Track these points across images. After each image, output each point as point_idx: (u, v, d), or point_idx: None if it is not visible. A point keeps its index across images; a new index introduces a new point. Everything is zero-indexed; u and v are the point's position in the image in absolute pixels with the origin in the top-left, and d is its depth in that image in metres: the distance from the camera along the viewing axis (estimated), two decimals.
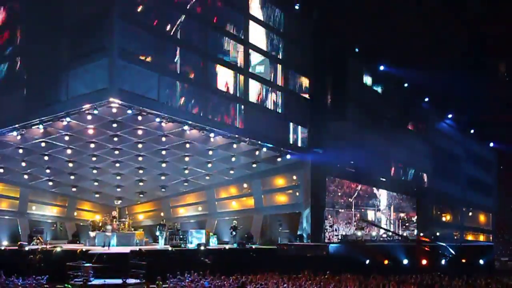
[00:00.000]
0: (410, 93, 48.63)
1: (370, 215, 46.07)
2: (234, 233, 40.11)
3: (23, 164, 40.23)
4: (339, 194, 44.03)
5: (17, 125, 33.67)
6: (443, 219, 49.38)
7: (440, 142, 52.00)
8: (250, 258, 35.12)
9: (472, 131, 54.95)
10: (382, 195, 47.06)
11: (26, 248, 35.14)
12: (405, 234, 45.90)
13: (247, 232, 41.68)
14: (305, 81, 40.68)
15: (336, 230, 41.97)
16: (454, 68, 48.52)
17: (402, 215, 47.99)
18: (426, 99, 50.10)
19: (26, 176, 42.25)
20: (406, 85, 47.76)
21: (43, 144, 37.04)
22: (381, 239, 44.17)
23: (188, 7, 34.55)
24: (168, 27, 33.04)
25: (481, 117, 53.01)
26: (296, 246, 37.75)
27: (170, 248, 35.70)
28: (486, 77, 48.04)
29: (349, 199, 44.34)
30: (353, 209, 44.96)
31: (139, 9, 31.72)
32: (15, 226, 43.03)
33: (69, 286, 24.11)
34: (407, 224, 46.71)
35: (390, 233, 44.92)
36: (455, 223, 51.00)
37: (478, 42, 48.96)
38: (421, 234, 44.16)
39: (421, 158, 49.71)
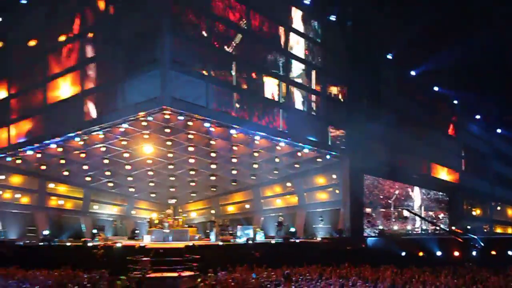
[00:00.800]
0: (440, 96, 47.59)
1: (406, 214, 45.17)
2: (280, 228, 39.81)
3: (86, 167, 40.99)
4: (381, 197, 43.10)
5: (80, 132, 34.14)
6: (473, 213, 48.63)
7: (470, 141, 51.09)
8: (295, 251, 34.11)
9: (499, 130, 53.77)
10: (416, 196, 46.03)
11: (89, 244, 35.55)
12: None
13: (291, 227, 40.84)
14: (341, 87, 40.38)
15: (374, 225, 41.45)
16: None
17: (431, 213, 47.02)
18: (455, 101, 49.03)
19: (88, 178, 42.94)
20: (436, 88, 46.68)
21: (103, 149, 37.70)
22: (415, 232, 43.29)
23: (236, 22, 34.54)
24: (216, 40, 33.05)
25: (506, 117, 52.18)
26: (336, 240, 37.21)
27: (220, 243, 35.60)
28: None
29: (388, 201, 43.42)
30: (392, 208, 43.97)
31: (189, 23, 31.76)
32: (79, 224, 43.83)
33: (123, 278, 23.36)
34: (435, 221, 45.78)
35: (432, 225, 44.14)
36: (485, 217, 50.37)
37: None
38: (453, 228, 43.21)
39: (452, 157, 48.67)
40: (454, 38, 48.29)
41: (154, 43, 30.64)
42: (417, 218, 45.30)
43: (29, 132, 37.69)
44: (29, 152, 38.02)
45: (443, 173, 47.28)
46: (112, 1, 33.31)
